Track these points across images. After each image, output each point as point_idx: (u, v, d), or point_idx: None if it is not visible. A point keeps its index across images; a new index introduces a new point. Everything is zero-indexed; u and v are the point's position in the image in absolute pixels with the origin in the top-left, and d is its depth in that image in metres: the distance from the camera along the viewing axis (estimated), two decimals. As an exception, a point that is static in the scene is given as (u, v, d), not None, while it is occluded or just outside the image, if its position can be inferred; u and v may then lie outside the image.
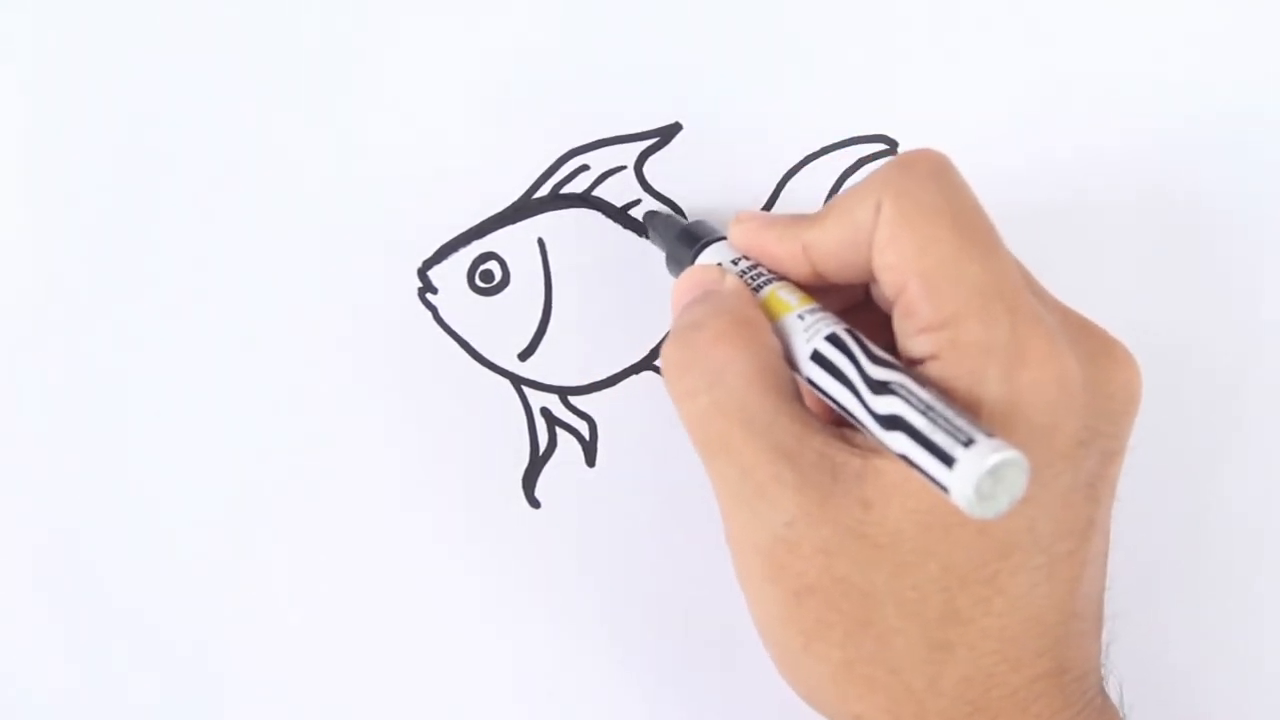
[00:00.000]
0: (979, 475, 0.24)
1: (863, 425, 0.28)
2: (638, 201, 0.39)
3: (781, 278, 0.32)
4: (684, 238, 0.36)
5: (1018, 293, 0.27)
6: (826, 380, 0.29)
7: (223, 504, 0.38)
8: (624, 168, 0.39)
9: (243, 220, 0.38)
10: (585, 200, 0.39)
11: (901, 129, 0.39)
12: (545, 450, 0.39)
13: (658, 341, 0.39)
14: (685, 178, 0.39)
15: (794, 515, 0.28)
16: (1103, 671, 0.31)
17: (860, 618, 0.28)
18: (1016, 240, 0.40)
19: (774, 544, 0.28)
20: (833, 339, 0.29)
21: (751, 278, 0.32)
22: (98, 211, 0.38)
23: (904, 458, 0.26)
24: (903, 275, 0.28)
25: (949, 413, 0.26)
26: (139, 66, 0.38)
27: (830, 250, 0.30)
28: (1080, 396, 0.27)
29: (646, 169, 0.39)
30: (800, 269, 0.31)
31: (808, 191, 0.39)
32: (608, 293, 0.39)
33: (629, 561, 0.39)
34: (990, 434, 0.25)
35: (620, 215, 0.39)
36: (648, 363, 0.39)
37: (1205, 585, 0.41)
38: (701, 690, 0.39)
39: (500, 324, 0.39)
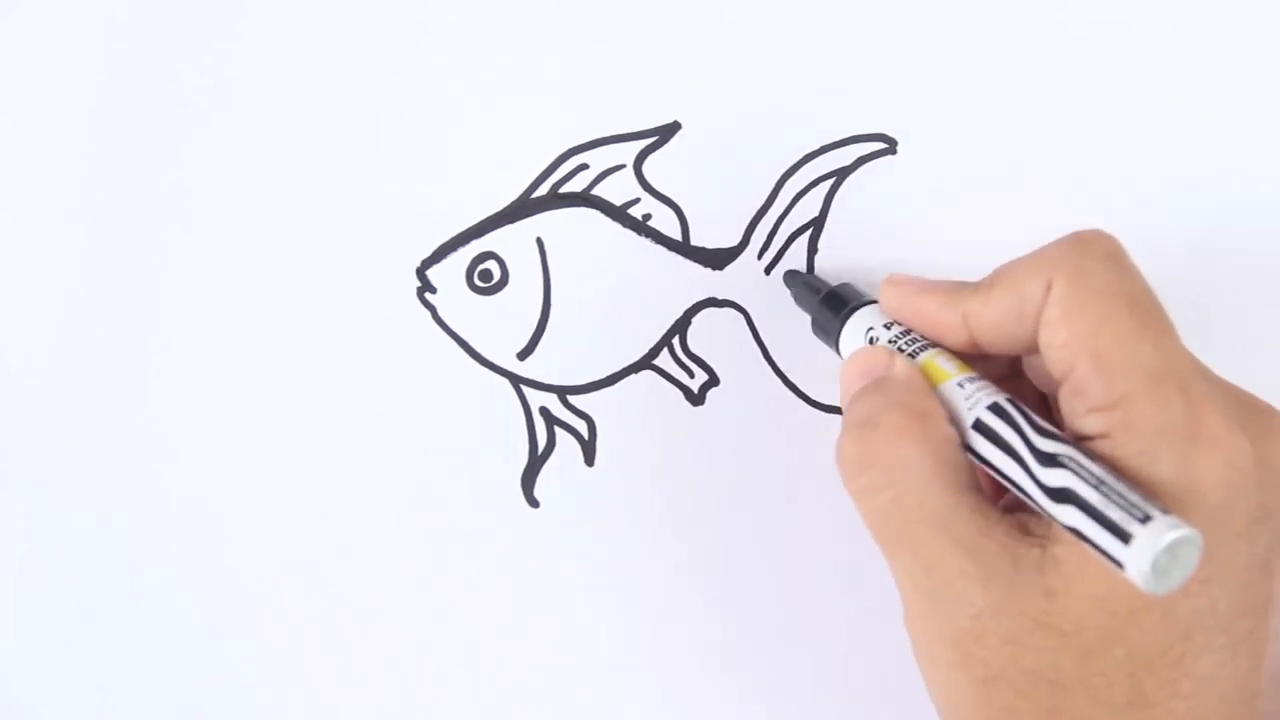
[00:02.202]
0: (1156, 552, 0.24)
1: (1029, 497, 0.28)
2: (637, 200, 0.39)
3: (935, 344, 0.32)
4: (830, 303, 0.35)
5: (1190, 374, 0.27)
6: (991, 451, 0.29)
7: (221, 503, 0.38)
8: (623, 166, 0.39)
9: (242, 220, 0.38)
10: (584, 199, 0.39)
11: (901, 128, 0.39)
12: (544, 450, 0.39)
13: (657, 341, 0.39)
14: (685, 177, 0.39)
15: (980, 608, 0.28)
16: None
17: (1048, 705, 0.28)
18: (1016, 240, 0.40)
19: (960, 635, 0.28)
20: (995, 409, 0.29)
21: (905, 344, 0.32)
22: (98, 212, 0.38)
23: (1074, 531, 0.26)
24: (1074, 354, 0.28)
25: (1122, 487, 0.26)
26: (139, 67, 0.38)
27: (992, 322, 0.30)
28: (1253, 475, 0.27)
29: (646, 168, 0.39)
30: (957, 337, 0.31)
31: (807, 190, 0.39)
32: (607, 292, 0.39)
33: (628, 561, 0.39)
34: (1165, 510, 0.25)
35: (619, 214, 0.39)
36: (647, 362, 0.39)
37: None
38: (701, 690, 0.39)
39: (499, 323, 0.39)
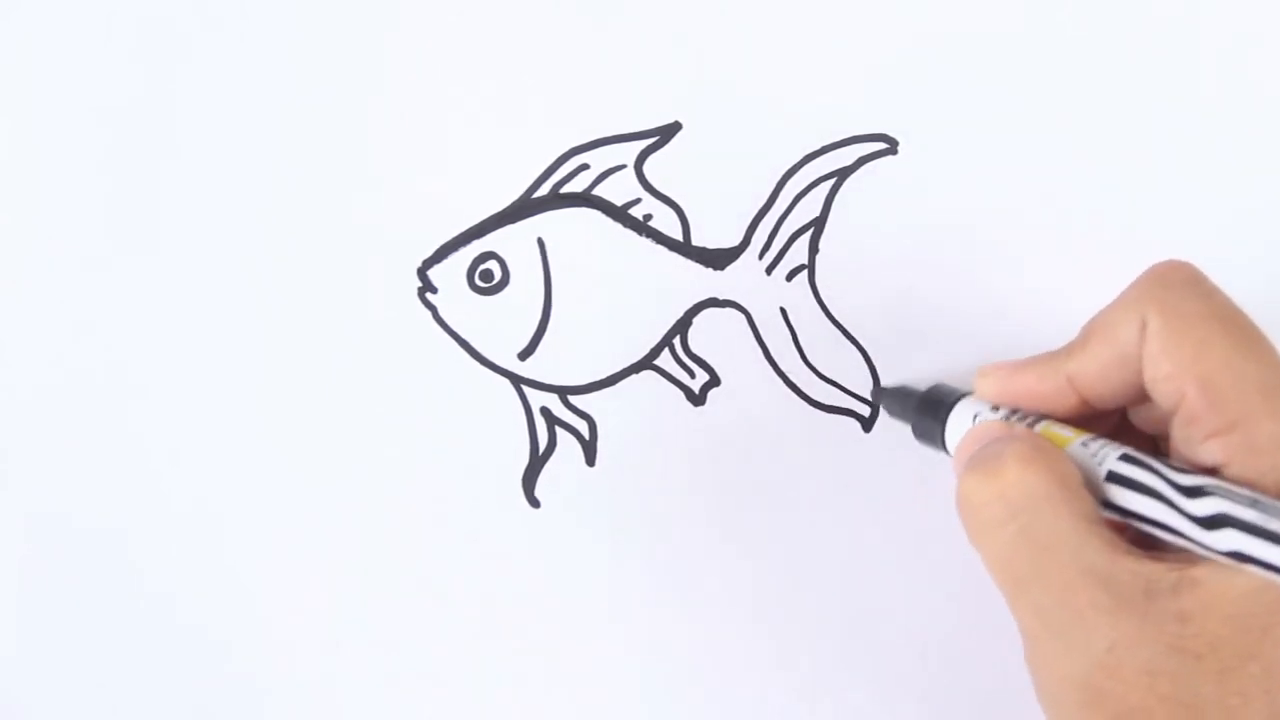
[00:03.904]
0: None
1: (1181, 534, 0.28)
2: (638, 200, 0.39)
3: (1045, 416, 0.32)
4: (927, 406, 0.35)
5: None
6: (1132, 498, 0.29)
7: (221, 504, 0.38)
8: (624, 166, 0.39)
9: (243, 220, 0.38)
10: (585, 199, 0.39)
11: (902, 128, 0.39)
12: (545, 450, 0.39)
13: (658, 341, 0.39)
14: (685, 177, 0.39)
15: (1114, 640, 0.28)
16: None
17: None
18: (1015, 240, 0.40)
19: (1092, 671, 0.28)
20: (1127, 458, 0.29)
21: (1015, 421, 0.32)
22: (98, 212, 0.38)
23: (1237, 555, 0.26)
24: (1181, 383, 0.28)
25: (1276, 502, 0.26)
26: (140, 67, 0.38)
27: (1098, 375, 0.30)
28: None
29: (646, 168, 0.39)
30: (1066, 402, 0.31)
31: (807, 190, 0.39)
32: (608, 292, 0.39)
33: (629, 561, 0.39)
34: None
35: (620, 214, 0.39)
36: (648, 362, 0.39)
37: None
38: (701, 690, 0.39)
39: (500, 323, 0.39)
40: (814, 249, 0.39)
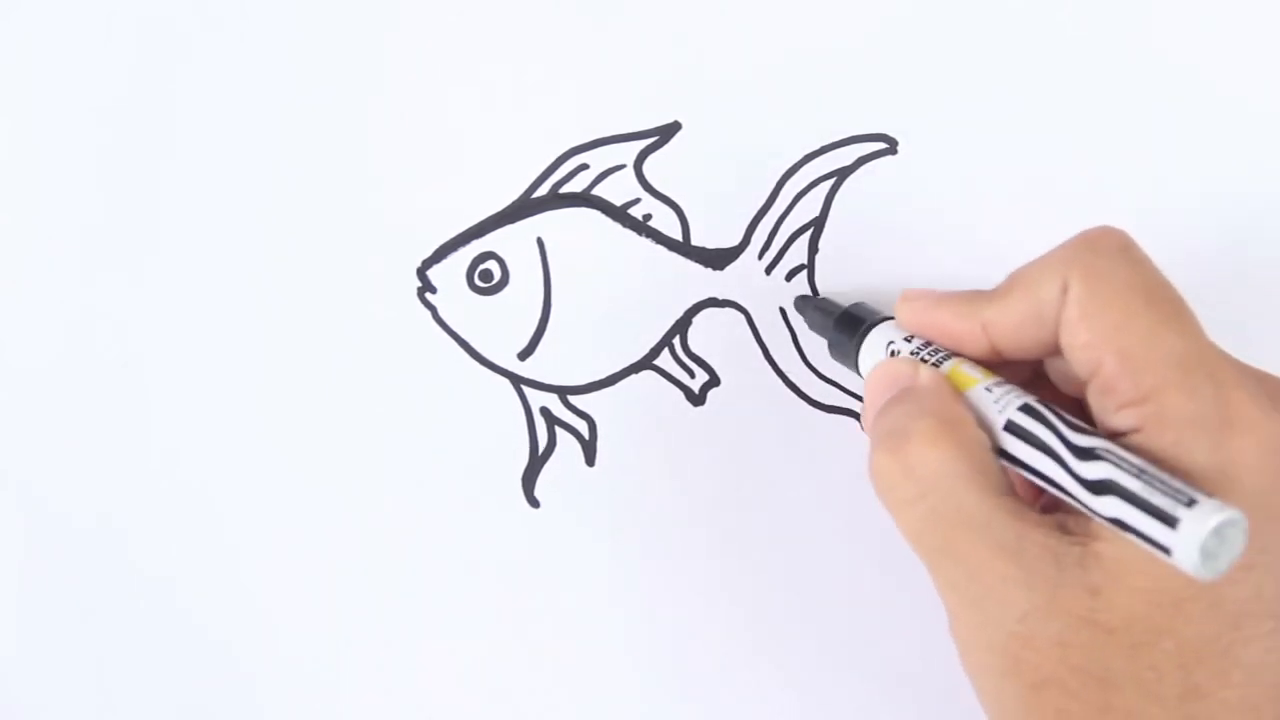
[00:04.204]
0: (1204, 535, 0.24)
1: (1068, 494, 0.28)
2: (637, 200, 0.39)
3: (957, 354, 0.32)
4: (846, 322, 0.35)
5: (1217, 361, 0.27)
6: (1026, 451, 0.29)
7: (221, 503, 0.38)
8: (623, 166, 0.39)
9: (242, 220, 0.38)
10: (585, 199, 0.39)
11: (901, 128, 0.39)
12: (545, 450, 0.39)
13: (657, 341, 0.39)
14: (685, 176, 0.39)
15: (1025, 611, 0.28)
16: None
17: (1100, 704, 0.28)
18: (1008, 237, 0.40)
19: (1008, 640, 0.28)
20: (1027, 409, 0.29)
21: (927, 354, 0.32)
22: (98, 211, 0.38)
23: (1117, 522, 0.26)
24: (1099, 352, 0.28)
25: (1163, 475, 0.26)
26: (140, 67, 0.38)
27: (1012, 327, 0.30)
28: None
29: (646, 168, 0.39)
30: (978, 346, 0.31)
31: (807, 190, 0.39)
32: (608, 292, 0.39)
33: (628, 561, 0.39)
34: (1209, 495, 0.25)
35: (620, 214, 0.39)
36: (647, 362, 0.39)
37: None
38: (701, 690, 0.39)
39: (499, 323, 0.39)
40: (814, 249, 0.39)
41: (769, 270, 0.39)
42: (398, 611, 0.39)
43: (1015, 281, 0.30)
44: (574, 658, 0.39)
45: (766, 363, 0.39)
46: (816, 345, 0.39)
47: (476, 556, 0.39)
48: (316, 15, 0.38)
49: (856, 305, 0.36)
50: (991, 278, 0.40)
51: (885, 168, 0.39)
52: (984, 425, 0.30)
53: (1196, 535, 0.24)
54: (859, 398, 0.39)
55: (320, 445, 0.38)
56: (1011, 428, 0.29)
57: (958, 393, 0.30)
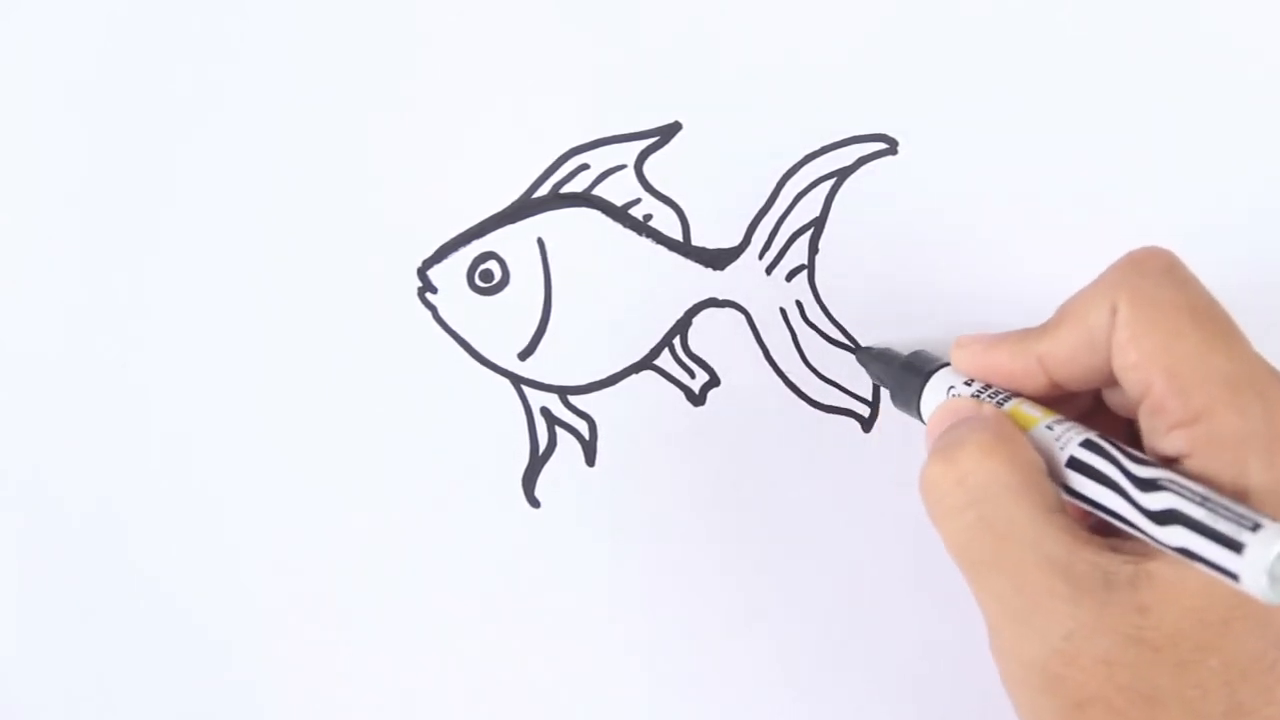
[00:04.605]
0: (1271, 559, 0.24)
1: (1133, 525, 0.28)
2: (638, 200, 0.39)
3: (1016, 394, 0.32)
4: (907, 373, 0.35)
5: (1266, 378, 0.27)
6: (1089, 485, 0.29)
7: (221, 503, 0.38)
8: (624, 166, 0.39)
9: (243, 220, 0.38)
10: (585, 199, 0.39)
11: (902, 128, 0.39)
12: (545, 450, 0.39)
13: (658, 341, 0.39)
14: (685, 177, 0.39)
15: (1071, 628, 0.28)
16: None
17: None
18: (1008, 237, 0.40)
19: (1050, 657, 0.28)
20: (1089, 444, 0.29)
21: (987, 396, 0.32)
22: (99, 211, 0.38)
23: (1183, 551, 0.26)
24: (1148, 373, 0.28)
25: (1226, 500, 0.26)
26: (139, 67, 0.37)
27: (1067, 358, 0.30)
28: None
29: (646, 168, 0.39)
30: (1036, 382, 0.31)
31: (807, 190, 0.39)
32: (608, 292, 0.39)
33: (629, 561, 0.39)
34: (1273, 518, 0.25)
35: (620, 214, 0.39)
36: (648, 362, 0.39)
37: None
38: (701, 689, 0.39)
39: (500, 323, 0.39)
40: (814, 249, 0.39)
41: (769, 270, 0.39)
42: (398, 611, 0.39)
43: (1065, 312, 0.31)
44: (574, 657, 0.39)
45: (766, 363, 0.39)
46: (817, 345, 0.39)
47: (477, 556, 0.39)
48: (317, 15, 0.38)
49: (916, 354, 0.36)
50: (991, 278, 0.40)
51: (885, 168, 0.39)
52: (1048, 463, 0.30)
53: (1264, 560, 0.25)
54: (859, 398, 0.39)
55: (320, 445, 0.38)
56: (1074, 463, 0.29)
57: (1016, 426, 0.30)
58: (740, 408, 0.39)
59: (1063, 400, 0.32)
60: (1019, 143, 0.40)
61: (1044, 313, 0.40)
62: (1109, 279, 0.30)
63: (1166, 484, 0.27)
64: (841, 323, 0.39)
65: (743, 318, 0.39)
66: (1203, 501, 0.26)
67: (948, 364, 0.34)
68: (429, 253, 0.38)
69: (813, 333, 0.39)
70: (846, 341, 0.39)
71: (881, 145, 0.39)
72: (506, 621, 0.39)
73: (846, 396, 0.39)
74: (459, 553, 0.39)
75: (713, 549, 0.39)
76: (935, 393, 0.34)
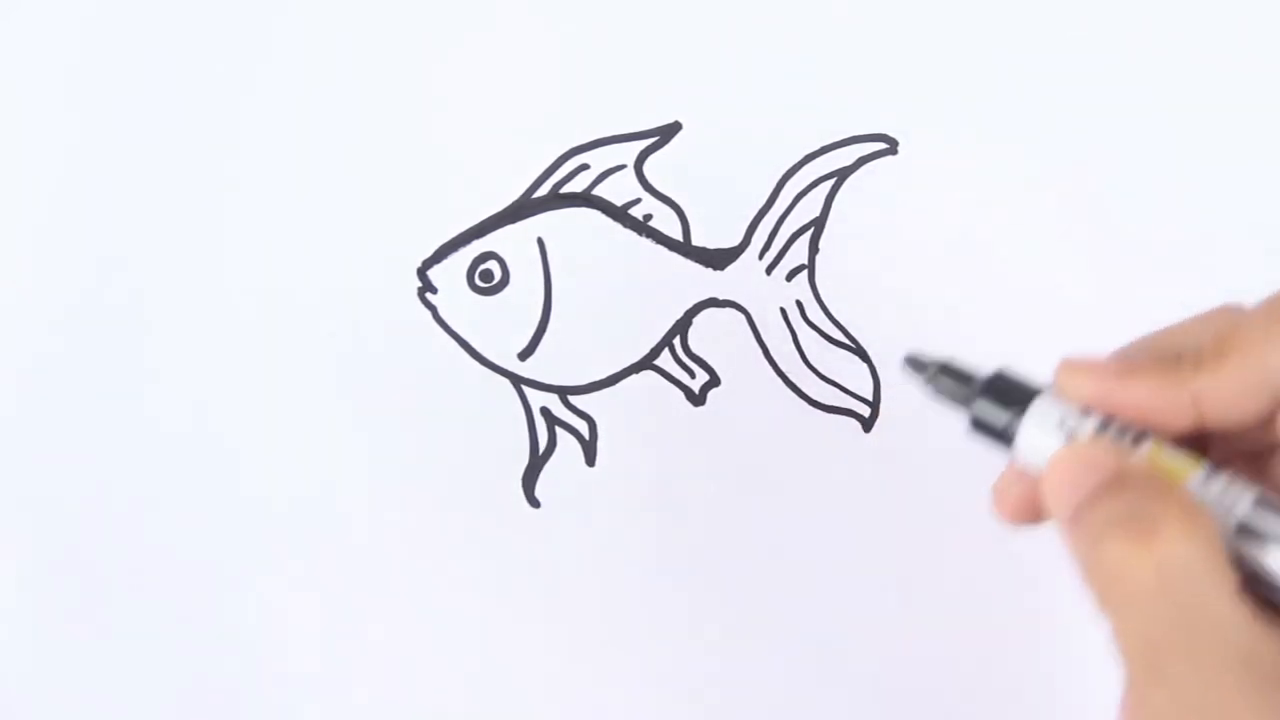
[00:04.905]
0: None
1: None
2: (638, 200, 0.39)
3: (1147, 432, 0.26)
4: (995, 395, 0.28)
5: None
6: (1271, 552, 0.25)
7: (220, 503, 0.38)
8: (624, 167, 0.39)
9: (243, 220, 0.38)
10: (585, 199, 0.39)
11: (902, 128, 0.39)
12: (545, 450, 0.39)
13: (658, 341, 0.39)
14: (685, 177, 0.39)
15: None
16: None
17: None
18: (1008, 237, 0.40)
19: None
20: (1263, 502, 0.25)
21: (1115, 435, 0.26)
22: (99, 211, 0.37)
23: None
24: None
25: None
26: (143, 66, 0.37)
27: (1233, 398, 0.26)
28: None
29: (646, 168, 0.39)
30: (1181, 421, 0.26)
31: (807, 190, 0.39)
32: (608, 292, 0.39)
33: (629, 561, 0.39)
34: None
35: (620, 214, 0.39)
36: (648, 362, 0.39)
37: None
38: (701, 689, 0.39)
39: (500, 323, 0.39)
40: (814, 249, 0.39)
41: (769, 270, 0.39)
42: (398, 611, 0.39)
43: (1231, 344, 0.26)
44: (574, 657, 0.39)
45: (766, 363, 0.39)
46: (817, 345, 0.39)
47: (477, 556, 0.39)
48: (318, 16, 0.38)
49: (999, 374, 0.28)
50: (991, 277, 0.40)
51: (885, 168, 0.39)
52: None
53: None
54: (859, 398, 0.39)
55: (321, 445, 0.38)
56: (1247, 529, 0.25)
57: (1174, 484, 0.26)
58: (740, 408, 0.39)
59: (1191, 440, 0.27)
60: (1019, 143, 0.40)
61: (1044, 313, 0.40)
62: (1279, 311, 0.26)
63: None
64: (842, 322, 0.39)
65: (743, 318, 0.39)
66: None
67: (1043, 388, 0.28)
68: (429, 253, 0.38)
69: (813, 333, 0.39)
70: (846, 341, 0.39)
71: (881, 145, 0.39)
72: (507, 621, 0.39)
73: (846, 396, 0.39)
74: (459, 553, 0.39)
75: (713, 548, 0.39)
76: (1040, 424, 0.27)
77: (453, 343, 0.39)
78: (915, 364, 0.29)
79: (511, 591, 0.39)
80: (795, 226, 0.39)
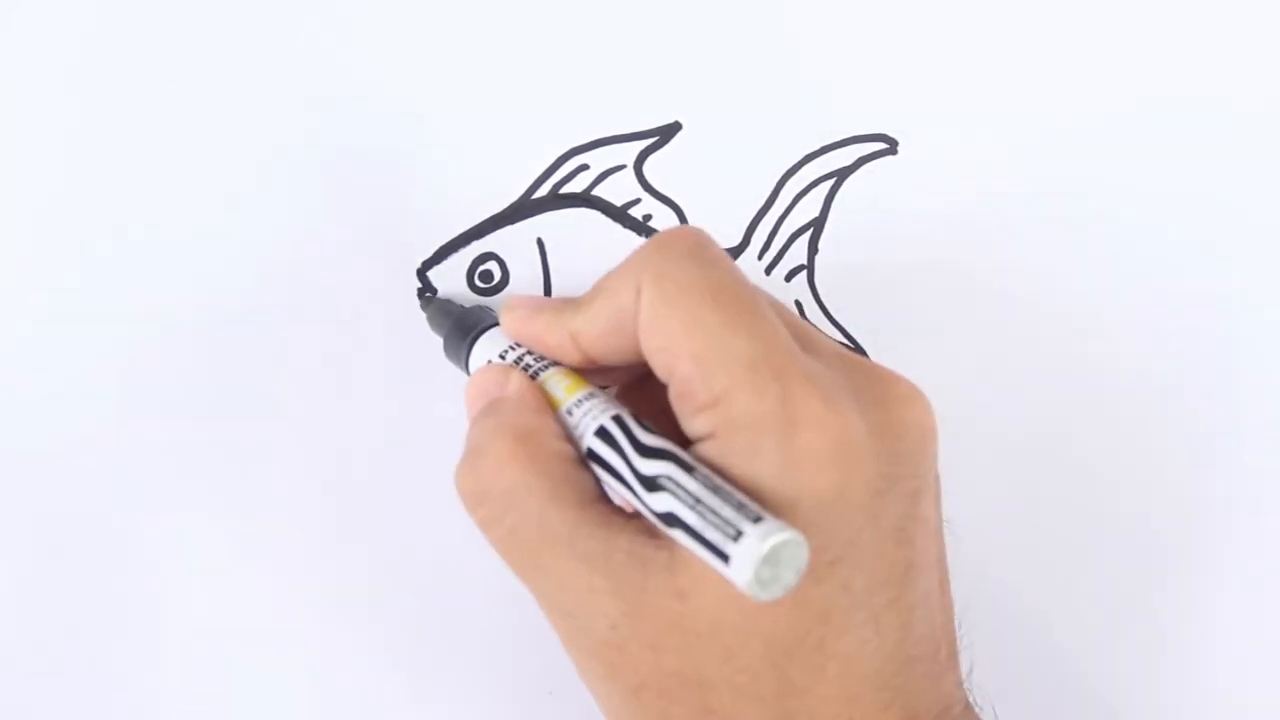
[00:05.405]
0: (755, 566, 0.24)
1: (651, 522, 0.27)
2: (638, 201, 0.39)
3: (556, 363, 0.31)
4: (459, 327, 0.35)
5: (785, 358, 0.27)
6: (606, 478, 0.28)
7: (219, 504, 0.38)
8: (624, 167, 0.39)
9: (243, 221, 0.38)
10: (585, 200, 0.39)
11: (901, 128, 0.39)
12: (545, 451, 0.39)
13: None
14: (685, 177, 0.39)
15: (614, 618, 0.28)
16: (970, 699, 0.31)
17: (700, 706, 0.28)
18: (1008, 237, 0.40)
19: (602, 647, 0.28)
20: (601, 433, 0.29)
21: (531, 362, 0.32)
22: (100, 211, 0.37)
23: (688, 548, 0.26)
24: (672, 357, 0.28)
25: (716, 502, 0.25)
26: (139, 63, 0.37)
27: (597, 336, 0.30)
28: (866, 446, 0.27)
29: (646, 168, 0.39)
30: (572, 356, 0.31)
31: (807, 190, 0.39)
32: (608, 293, 0.39)
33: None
34: (759, 517, 0.25)
35: (620, 215, 0.39)
36: (648, 363, 0.39)
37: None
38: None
39: (500, 324, 0.39)
40: (813, 249, 0.39)
41: (769, 270, 0.39)
42: (398, 611, 0.39)
43: (598, 289, 0.30)
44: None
45: (767, 363, 0.39)
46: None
47: (477, 557, 0.39)
48: (318, 15, 0.38)
49: (473, 309, 0.36)
50: (990, 277, 0.40)
51: (885, 168, 0.39)
52: (575, 446, 0.29)
53: (748, 567, 0.24)
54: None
55: (320, 446, 0.38)
56: (591, 455, 0.29)
57: (543, 405, 0.30)
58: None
59: (609, 373, 0.31)
60: (1019, 143, 0.40)
61: (1043, 312, 0.40)
62: (635, 259, 0.29)
63: (665, 483, 0.26)
64: (841, 323, 0.39)
65: (743, 318, 0.39)
66: (695, 504, 0.25)
67: (497, 324, 0.34)
68: (428, 254, 0.38)
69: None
70: (846, 342, 0.39)
71: (881, 145, 0.39)
72: (507, 621, 0.39)
73: (847, 396, 0.39)
74: (459, 553, 0.39)
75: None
76: (483, 356, 0.33)
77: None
78: (421, 301, 0.37)
79: (511, 591, 0.39)
80: (795, 227, 0.39)
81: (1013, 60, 0.40)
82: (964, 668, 0.31)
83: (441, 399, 0.38)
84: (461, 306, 0.36)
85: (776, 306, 0.30)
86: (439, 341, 0.38)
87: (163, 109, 0.37)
